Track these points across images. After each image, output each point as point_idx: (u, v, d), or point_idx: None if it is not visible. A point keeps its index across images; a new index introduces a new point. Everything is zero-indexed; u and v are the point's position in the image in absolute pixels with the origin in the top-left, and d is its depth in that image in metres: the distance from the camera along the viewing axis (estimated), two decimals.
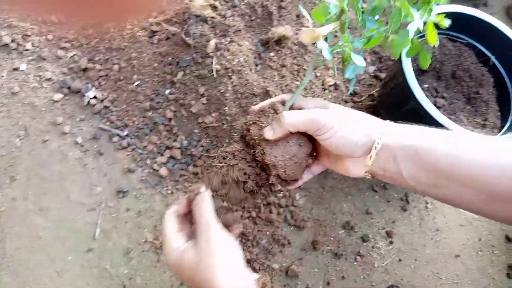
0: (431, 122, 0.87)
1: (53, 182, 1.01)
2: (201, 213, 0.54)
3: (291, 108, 0.60)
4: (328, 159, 0.61)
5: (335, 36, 1.04)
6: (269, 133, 0.56)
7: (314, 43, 0.52)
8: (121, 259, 0.95)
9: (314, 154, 0.63)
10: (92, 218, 0.98)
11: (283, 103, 0.61)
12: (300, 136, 0.58)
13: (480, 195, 0.47)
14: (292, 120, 0.54)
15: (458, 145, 0.48)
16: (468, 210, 0.51)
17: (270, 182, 0.59)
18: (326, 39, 0.53)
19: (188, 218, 0.60)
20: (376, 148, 0.52)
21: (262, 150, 0.57)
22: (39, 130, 1.05)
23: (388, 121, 0.55)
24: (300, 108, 0.59)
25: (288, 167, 0.58)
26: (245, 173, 0.60)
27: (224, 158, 0.62)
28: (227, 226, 0.59)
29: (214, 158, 0.63)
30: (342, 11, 0.52)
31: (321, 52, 0.52)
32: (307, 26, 1.23)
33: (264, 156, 0.57)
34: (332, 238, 1.02)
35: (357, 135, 0.52)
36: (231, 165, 0.60)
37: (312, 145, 0.60)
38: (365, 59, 1.19)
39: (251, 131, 0.59)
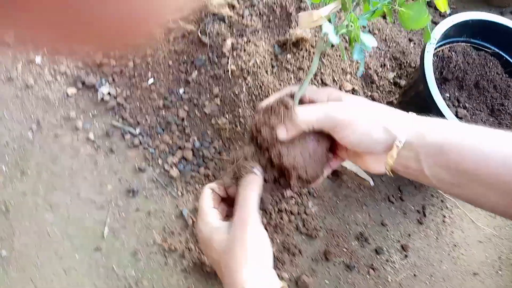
0: None
1: (64, 178, 1.00)
2: (245, 198, 0.51)
3: (301, 101, 0.55)
4: (347, 153, 0.57)
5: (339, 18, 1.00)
6: (282, 134, 0.52)
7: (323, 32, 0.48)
8: (129, 260, 0.94)
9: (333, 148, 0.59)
10: (101, 217, 0.97)
11: (292, 96, 0.56)
12: (316, 131, 0.54)
13: (506, 198, 0.44)
14: (305, 118, 0.50)
15: (485, 144, 0.45)
16: (492, 212, 0.49)
17: (291, 185, 0.55)
18: (329, 21, 0.48)
19: (225, 200, 0.57)
20: (398, 147, 0.48)
21: (278, 152, 0.53)
22: (51, 124, 1.04)
23: (410, 113, 0.51)
24: (312, 101, 0.55)
25: (309, 166, 0.54)
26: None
27: (236, 161, 0.57)
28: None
29: (226, 162, 0.61)
30: None
31: (326, 36, 0.48)
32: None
33: (281, 158, 0.53)
34: (344, 249, 0.98)
35: (377, 132, 0.49)
36: (245, 171, 0.55)
37: (330, 138, 0.55)
38: (384, 65, 1.15)
39: (262, 132, 0.54)
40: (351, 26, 0.47)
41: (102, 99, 1.06)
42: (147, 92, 1.05)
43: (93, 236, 0.95)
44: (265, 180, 0.55)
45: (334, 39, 0.46)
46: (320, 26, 0.46)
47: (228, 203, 0.58)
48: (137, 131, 1.03)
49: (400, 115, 0.51)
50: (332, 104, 0.51)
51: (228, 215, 0.56)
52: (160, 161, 1.01)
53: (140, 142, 1.02)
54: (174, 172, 1.00)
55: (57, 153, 1.02)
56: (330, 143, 0.56)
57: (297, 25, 1.04)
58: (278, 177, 0.56)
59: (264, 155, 0.56)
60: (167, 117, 1.03)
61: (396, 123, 0.49)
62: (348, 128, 0.49)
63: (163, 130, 1.03)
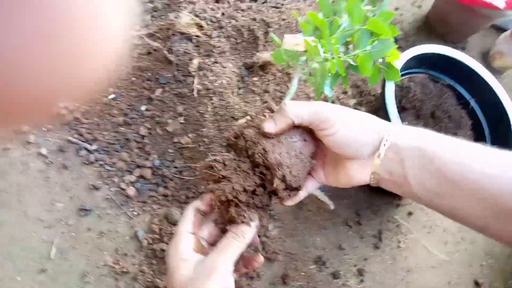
0: None
1: (11, 194, 0.93)
2: (227, 247, 0.48)
3: None
4: (328, 166, 0.56)
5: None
6: (270, 125, 0.50)
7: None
8: (76, 283, 0.88)
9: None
10: (48, 236, 0.91)
11: (271, 110, 0.55)
12: (303, 131, 0.53)
13: (487, 210, 0.44)
14: (296, 109, 0.49)
15: (469, 154, 0.46)
16: (473, 227, 0.48)
17: (274, 187, 0.51)
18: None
19: (210, 216, 0.55)
20: (385, 145, 0.48)
21: (263, 149, 0.50)
22: (1, 137, 0.98)
23: (394, 122, 0.53)
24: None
25: (294, 166, 0.51)
26: (240, 187, 0.51)
27: (212, 168, 0.53)
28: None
29: (201, 169, 0.54)
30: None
31: (304, 62, 0.51)
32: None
33: (266, 155, 0.50)
34: (303, 273, 0.98)
35: (365, 131, 0.49)
36: (221, 177, 0.52)
37: (315, 143, 0.54)
38: (346, 92, 1.19)
39: (244, 133, 0.52)
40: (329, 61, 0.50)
41: (58, 113, 1.02)
42: (107, 107, 1.02)
43: (39, 257, 0.89)
44: (244, 190, 0.51)
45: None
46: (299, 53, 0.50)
47: (222, 225, 0.55)
48: (94, 147, 0.99)
49: (385, 121, 0.52)
50: (323, 102, 0.51)
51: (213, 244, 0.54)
52: (116, 179, 0.98)
53: (96, 159, 0.98)
54: (131, 191, 0.96)
55: (5, 167, 0.95)
56: (315, 150, 0.55)
57: (264, 49, 1.06)
58: (260, 184, 0.53)
59: (243, 161, 0.53)
60: (127, 134, 1.00)
61: (383, 125, 0.50)
62: (337, 125, 0.48)
63: (121, 147, 1.00)
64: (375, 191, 1.11)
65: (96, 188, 0.96)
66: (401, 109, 1.05)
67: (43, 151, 0.97)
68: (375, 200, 1.10)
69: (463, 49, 1.45)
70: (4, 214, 0.91)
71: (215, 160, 0.53)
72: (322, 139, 0.51)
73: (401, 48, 1.33)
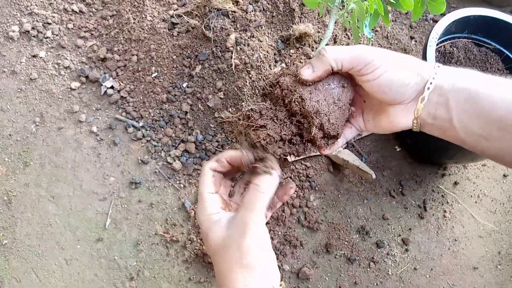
0: None
1: (67, 170, 1.00)
2: (254, 201, 0.46)
3: None
4: (367, 113, 0.53)
5: None
6: (307, 72, 0.47)
7: None
8: (130, 251, 0.94)
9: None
10: (103, 208, 0.97)
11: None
12: (341, 77, 0.49)
13: None
14: (335, 54, 0.46)
15: None
16: None
17: (311, 135, 0.49)
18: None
19: (228, 174, 0.53)
20: (429, 88, 0.45)
21: (300, 97, 0.47)
22: (55, 117, 1.05)
23: (437, 63, 0.49)
24: None
25: (332, 113, 0.49)
26: (277, 136, 0.49)
27: (249, 118, 0.50)
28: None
29: (238, 118, 0.53)
30: None
31: (340, 3, 0.48)
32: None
33: (303, 103, 0.47)
34: (346, 242, 0.99)
35: (409, 74, 0.46)
36: (258, 126, 0.49)
37: (354, 88, 0.51)
38: None
39: (280, 82, 0.49)
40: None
41: (106, 93, 1.07)
42: (151, 86, 1.06)
43: (95, 227, 0.95)
44: (281, 139, 0.49)
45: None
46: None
47: (231, 177, 0.55)
48: (140, 124, 1.04)
49: (428, 63, 0.49)
50: (363, 46, 0.48)
51: (231, 195, 0.54)
52: (163, 154, 1.02)
53: (143, 135, 1.03)
54: (177, 164, 1.00)
55: (60, 145, 1.02)
56: (353, 96, 0.52)
57: (300, 21, 1.06)
58: (297, 133, 0.50)
59: (280, 109, 0.50)
60: (170, 110, 1.04)
61: (426, 67, 0.47)
62: (380, 69, 0.45)
63: (166, 123, 1.04)
64: (418, 160, 1.09)
65: (144, 162, 1.01)
66: None
67: (94, 129, 1.03)
68: (419, 170, 1.08)
69: (511, 12, 1.37)
70: (62, 188, 0.98)
71: (251, 109, 0.51)
72: (363, 84, 0.48)
73: (443, 14, 1.28)
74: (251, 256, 0.44)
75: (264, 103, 0.51)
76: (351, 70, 0.47)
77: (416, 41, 1.24)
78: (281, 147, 0.50)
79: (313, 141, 0.50)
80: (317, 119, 0.48)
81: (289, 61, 0.52)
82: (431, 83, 0.46)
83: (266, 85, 0.52)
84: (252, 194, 0.46)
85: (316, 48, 1.04)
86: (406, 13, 1.28)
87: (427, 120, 0.47)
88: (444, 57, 1.02)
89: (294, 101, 0.48)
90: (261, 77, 1.00)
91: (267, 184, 0.47)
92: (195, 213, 0.96)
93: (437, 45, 0.97)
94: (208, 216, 0.48)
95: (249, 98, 1.02)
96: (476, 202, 1.08)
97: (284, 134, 0.49)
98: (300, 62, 0.50)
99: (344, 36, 1.13)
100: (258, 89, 1.00)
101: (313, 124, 0.48)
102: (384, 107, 0.50)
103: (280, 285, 0.46)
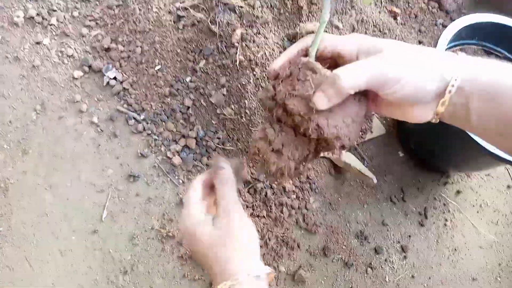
0: (459, 134, 0.82)
1: (65, 159, 0.99)
2: (223, 194, 0.50)
3: (322, 56, 0.47)
4: (381, 107, 0.50)
5: None
6: (323, 103, 0.44)
7: None
8: (126, 244, 0.93)
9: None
10: (100, 200, 0.96)
11: (306, 52, 0.48)
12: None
13: None
14: (352, 82, 0.43)
15: None
16: None
17: (333, 155, 0.50)
18: None
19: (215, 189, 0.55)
20: (450, 92, 0.43)
21: (317, 125, 0.45)
22: (56, 106, 1.04)
23: (460, 53, 0.46)
24: (335, 53, 0.47)
25: (352, 132, 0.46)
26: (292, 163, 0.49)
27: (258, 154, 0.50)
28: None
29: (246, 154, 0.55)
30: None
31: None
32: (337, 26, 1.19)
33: (321, 130, 0.45)
34: (344, 247, 0.98)
35: (431, 78, 0.43)
36: (272, 162, 0.49)
37: (370, 94, 0.48)
38: None
39: (289, 106, 0.46)
40: None
41: (108, 83, 1.06)
42: (154, 78, 1.04)
43: (91, 219, 0.94)
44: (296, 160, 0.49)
45: None
46: None
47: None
48: (142, 117, 1.03)
49: (449, 56, 0.46)
50: (377, 60, 0.44)
51: (217, 208, 0.55)
52: (163, 148, 1.01)
53: (144, 128, 1.02)
54: (177, 160, 0.99)
55: (60, 135, 1.01)
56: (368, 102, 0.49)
57: (307, 19, 1.04)
58: (314, 149, 0.49)
59: (293, 132, 0.48)
60: (173, 104, 1.03)
61: (448, 66, 0.44)
62: (399, 84, 0.43)
63: (167, 117, 1.03)
64: (421, 167, 1.07)
65: (144, 156, 1.00)
66: None
67: (95, 119, 1.02)
68: (421, 177, 1.06)
69: None
70: (60, 177, 0.97)
71: (264, 136, 0.49)
72: (383, 97, 0.45)
73: (452, 19, 1.26)
74: (240, 240, 0.47)
75: (267, 130, 0.49)
76: (371, 89, 0.44)
77: (424, 45, 1.22)
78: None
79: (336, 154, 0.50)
80: (338, 143, 0.46)
81: (288, 74, 0.48)
82: (453, 86, 0.43)
83: (272, 105, 0.49)
84: (219, 189, 0.51)
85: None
86: (415, 17, 1.26)
87: (445, 116, 0.46)
88: None
89: (311, 130, 0.45)
90: (265, 75, 0.99)
91: (222, 178, 0.51)
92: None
93: (445, 50, 0.95)
94: (194, 219, 0.50)
95: (252, 96, 1.00)
96: (478, 212, 1.06)
97: (298, 156, 0.49)
98: (306, 79, 0.46)
99: None
100: (261, 87, 0.99)
101: (335, 147, 0.46)
102: (401, 106, 0.47)
103: (271, 273, 0.49)
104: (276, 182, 0.52)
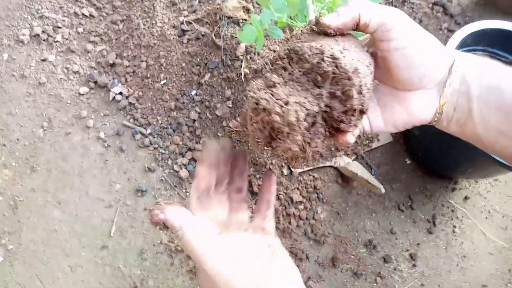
0: (467, 142, 0.82)
1: (73, 176, 1.00)
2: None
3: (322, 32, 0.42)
4: (375, 109, 0.46)
5: None
6: (332, 16, 0.40)
7: None
8: (135, 259, 0.93)
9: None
10: (109, 215, 0.97)
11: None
12: (362, 43, 0.43)
13: None
14: (367, 7, 0.40)
15: None
16: None
17: (350, 104, 0.39)
18: None
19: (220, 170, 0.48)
20: (456, 71, 0.41)
21: (332, 56, 0.38)
22: (63, 122, 1.04)
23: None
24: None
25: (367, 77, 0.40)
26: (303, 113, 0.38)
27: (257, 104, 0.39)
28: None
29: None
30: None
31: None
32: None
33: (337, 61, 0.38)
34: (352, 256, 0.97)
35: (434, 55, 0.41)
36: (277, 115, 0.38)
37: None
38: None
39: (297, 47, 0.39)
40: None
41: (114, 98, 1.07)
42: (159, 93, 1.05)
43: (100, 235, 0.95)
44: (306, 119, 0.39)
45: None
46: None
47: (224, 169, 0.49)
48: (148, 131, 1.04)
49: (451, 48, 0.46)
50: (394, 8, 0.42)
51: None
52: (169, 162, 1.01)
53: (151, 142, 1.03)
54: (184, 173, 0.99)
55: (68, 151, 1.02)
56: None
57: None
58: (326, 109, 0.40)
59: (301, 84, 0.40)
60: (178, 118, 1.03)
61: (451, 52, 0.43)
62: (405, 39, 0.40)
63: (173, 131, 1.03)
64: (428, 174, 1.07)
65: (151, 170, 1.00)
66: None
67: (102, 135, 1.03)
68: (429, 184, 1.06)
69: None
70: (68, 194, 0.98)
71: (272, 81, 0.40)
72: (385, 53, 0.42)
73: (459, 25, 1.26)
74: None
75: (276, 76, 0.40)
76: (376, 30, 0.41)
77: None
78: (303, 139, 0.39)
79: (340, 122, 0.40)
80: (357, 78, 0.39)
81: (297, 33, 0.43)
82: (458, 66, 0.42)
83: (281, 55, 0.42)
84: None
85: None
86: (420, 22, 1.26)
87: (448, 111, 0.44)
88: None
89: (326, 61, 0.38)
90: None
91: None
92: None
93: None
94: (212, 254, 0.41)
95: None
96: (486, 218, 1.06)
97: (312, 109, 0.39)
98: (308, 30, 0.43)
99: None
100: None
101: (354, 85, 0.38)
102: (401, 95, 0.44)
103: None
104: (287, 156, 0.41)
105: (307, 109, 0.38)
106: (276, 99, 0.38)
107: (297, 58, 0.40)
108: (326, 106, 0.39)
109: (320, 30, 0.42)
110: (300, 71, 0.40)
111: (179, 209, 0.42)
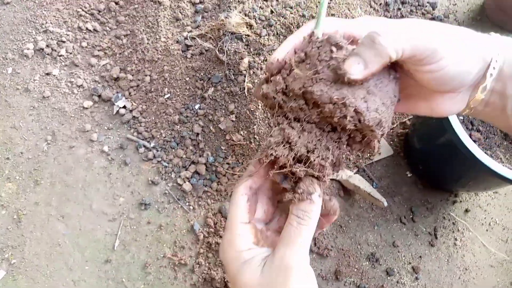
0: (467, 156, 0.84)
1: (77, 189, 1.00)
2: (295, 236, 0.37)
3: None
4: (406, 98, 0.43)
5: None
6: (358, 68, 0.35)
7: None
8: (138, 273, 0.93)
9: None
10: (112, 229, 0.97)
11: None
12: (391, 65, 0.38)
13: None
14: (395, 41, 0.35)
15: None
16: None
17: (370, 148, 0.39)
18: None
19: (264, 191, 0.44)
20: (492, 75, 0.38)
21: (355, 111, 0.35)
22: (66, 136, 1.05)
23: (493, 34, 0.41)
24: (347, 37, 0.39)
25: (391, 116, 0.38)
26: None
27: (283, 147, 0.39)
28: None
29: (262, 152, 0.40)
30: None
31: None
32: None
33: (361, 116, 0.35)
34: (355, 270, 0.98)
35: (473, 61, 0.38)
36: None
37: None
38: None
39: (316, 94, 0.36)
40: None
41: (118, 112, 1.07)
42: (163, 107, 1.06)
43: (104, 248, 0.95)
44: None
45: None
46: None
47: (268, 192, 0.45)
48: (152, 144, 1.04)
49: (484, 36, 0.40)
50: (421, 23, 0.38)
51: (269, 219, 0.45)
52: (173, 175, 1.02)
53: (154, 156, 1.03)
54: (187, 186, 1.00)
55: (71, 164, 1.02)
56: None
57: None
58: (346, 146, 0.40)
59: (317, 129, 0.39)
60: (182, 131, 1.04)
61: (489, 48, 0.39)
62: (446, 58, 0.36)
63: (177, 144, 1.04)
64: (429, 187, 1.08)
65: (154, 183, 1.01)
66: None
67: (105, 148, 1.03)
68: (430, 197, 1.07)
69: None
70: (72, 207, 0.98)
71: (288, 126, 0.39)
72: (419, 75, 0.38)
73: None
74: None
75: (287, 130, 0.39)
76: (410, 59, 0.36)
77: None
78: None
79: (361, 154, 0.42)
80: (379, 131, 0.36)
81: (302, 55, 0.38)
82: (494, 68, 0.38)
83: (275, 92, 0.39)
84: (292, 228, 0.38)
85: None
86: None
87: (477, 107, 0.41)
88: None
89: (350, 118, 0.35)
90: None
91: (307, 212, 0.38)
92: (203, 238, 0.95)
93: None
94: (237, 254, 0.39)
95: (261, 121, 1.02)
96: (487, 230, 1.07)
97: (334, 160, 0.39)
98: (327, 56, 0.37)
99: None
100: (269, 113, 1.00)
101: (376, 137, 0.37)
102: (429, 95, 0.41)
103: None
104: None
105: (330, 159, 0.38)
106: (296, 155, 0.38)
107: (313, 102, 0.38)
108: (346, 145, 0.40)
109: (345, 83, 0.36)
110: (318, 115, 0.38)
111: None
